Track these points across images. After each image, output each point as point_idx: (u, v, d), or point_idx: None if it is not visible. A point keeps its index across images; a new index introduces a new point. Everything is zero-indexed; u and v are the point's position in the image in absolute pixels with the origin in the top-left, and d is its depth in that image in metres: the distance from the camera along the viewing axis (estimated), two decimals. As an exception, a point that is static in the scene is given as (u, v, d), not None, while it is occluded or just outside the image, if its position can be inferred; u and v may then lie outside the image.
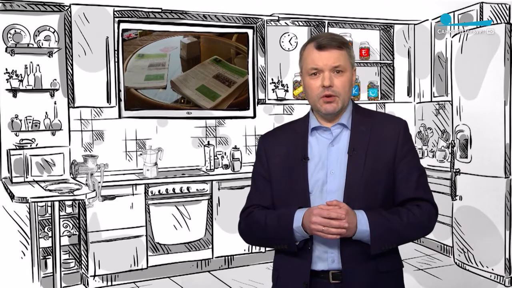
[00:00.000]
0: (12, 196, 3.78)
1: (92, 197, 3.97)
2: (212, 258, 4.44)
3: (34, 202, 3.78)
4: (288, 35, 4.88)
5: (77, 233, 4.17)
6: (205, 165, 4.64)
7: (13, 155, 4.01)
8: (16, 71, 4.04)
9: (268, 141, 1.94)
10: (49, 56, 4.14)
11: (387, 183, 1.79)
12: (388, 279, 1.81)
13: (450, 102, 4.54)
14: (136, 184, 4.24)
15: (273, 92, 4.79)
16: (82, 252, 4.13)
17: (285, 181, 1.83)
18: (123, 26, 4.35)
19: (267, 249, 4.47)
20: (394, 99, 5.24)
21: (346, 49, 1.80)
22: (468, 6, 4.49)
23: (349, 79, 1.81)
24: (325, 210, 1.66)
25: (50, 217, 3.95)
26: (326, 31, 4.86)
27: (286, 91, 4.82)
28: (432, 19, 4.89)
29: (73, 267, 4.15)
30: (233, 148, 4.73)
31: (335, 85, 1.77)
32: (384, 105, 5.30)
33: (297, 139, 1.86)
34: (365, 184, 1.75)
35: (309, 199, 1.78)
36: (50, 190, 3.85)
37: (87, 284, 4.10)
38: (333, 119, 1.84)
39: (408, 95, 5.22)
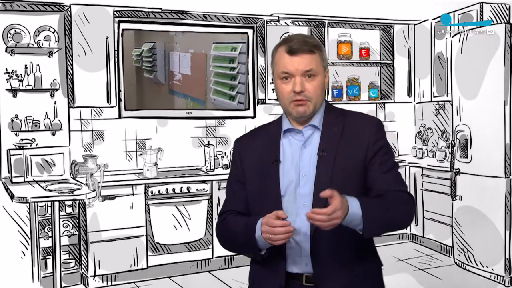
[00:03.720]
0: (12, 196, 3.78)
1: (92, 197, 3.97)
2: (212, 258, 4.45)
3: (34, 202, 3.78)
4: (288, 35, 4.87)
5: (77, 233, 4.17)
6: (205, 165, 4.64)
7: (13, 155, 4.01)
8: (16, 71, 4.04)
9: (242, 144, 1.95)
10: (49, 56, 4.14)
11: (358, 183, 1.77)
12: (364, 279, 1.78)
13: (450, 102, 4.54)
14: (136, 184, 4.24)
15: (273, 92, 4.78)
16: (82, 252, 4.13)
17: (258, 184, 1.82)
18: (123, 26, 4.35)
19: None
20: (394, 99, 5.24)
21: (318, 52, 1.78)
22: (468, 6, 4.49)
23: (320, 83, 1.79)
24: (269, 218, 1.64)
25: (50, 217, 3.95)
26: (326, 31, 4.87)
27: (286, 91, 4.82)
28: (432, 19, 4.89)
29: (73, 267, 4.15)
30: (233, 148, 4.72)
31: (307, 89, 1.76)
32: (384, 105, 5.31)
33: (270, 141, 1.85)
34: (334, 186, 1.69)
35: (281, 202, 1.76)
36: (50, 190, 3.85)
37: (87, 284, 4.10)
38: (305, 121, 1.82)
39: (408, 95, 5.22)
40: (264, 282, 1.81)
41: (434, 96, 4.95)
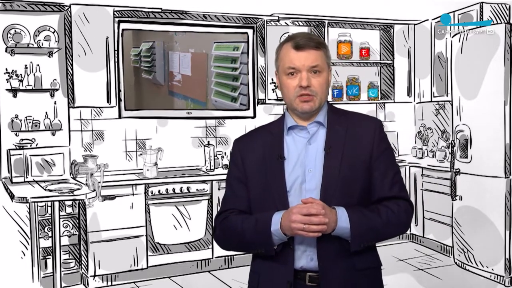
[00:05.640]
0: (12, 196, 3.78)
1: (92, 197, 3.97)
2: (212, 258, 4.45)
3: (34, 202, 3.78)
4: (288, 35, 4.87)
5: (77, 233, 4.17)
6: (205, 165, 4.64)
7: (13, 155, 4.01)
8: (16, 71, 4.04)
9: (243, 144, 1.95)
10: (49, 56, 4.14)
11: (364, 181, 1.80)
12: (365, 277, 1.81)
13: (450, 102, 4.54)
14: (136, 184, 4.24)
15: (273, 92, 4.79)
16: (82, 252, 4.13)
17: (262, 182, 1.83)
18: (123, 26, 4.35)
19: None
20: (394, 99, 5.24)
21: (323, 49, 1.82)
22: (468, 6, 4.49)
23: (326, 79, 1.82)
24: (304, 207, 1.65)
25: (50, 217, 3.95)
26: (326, 31, 4.87)
27: (286, 91, 4.81)
28: (432, 19, 4.89)
29: (73, 267, 4.15)
30: (232, 148, 4.71)
31: (313, 85, 1.79)
32: (384, 105, 5.30)
33: (273, 140, 1.86)
34: (342, 181, 1.76)
35: (287, 198, 1.77)
36: (50, 190, 3.85)
37: (87, 284, 4.10)
38: (309, 118, 1.84)
39: (408, 95, 5.22)
40: (271, 278, 1.81)
41: (434, 96, 4.95)
